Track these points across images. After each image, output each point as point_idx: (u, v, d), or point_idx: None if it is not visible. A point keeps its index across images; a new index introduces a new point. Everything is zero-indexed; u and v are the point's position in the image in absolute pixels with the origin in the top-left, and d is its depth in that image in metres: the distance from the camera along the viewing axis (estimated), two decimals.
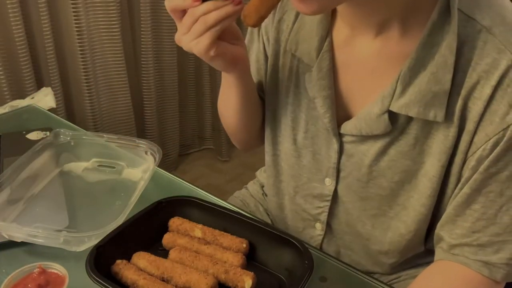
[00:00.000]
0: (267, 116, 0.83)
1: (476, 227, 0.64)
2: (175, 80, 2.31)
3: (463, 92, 0.60)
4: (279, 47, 0.77)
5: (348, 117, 0.72)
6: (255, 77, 0.84)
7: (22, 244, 0.73)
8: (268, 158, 0.87)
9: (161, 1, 2.10)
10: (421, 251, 0.79)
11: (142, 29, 2.10)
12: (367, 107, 0.67)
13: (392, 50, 0.65)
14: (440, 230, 0.69)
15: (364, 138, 0.69)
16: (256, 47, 0.83)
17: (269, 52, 0.79)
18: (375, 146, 0.69)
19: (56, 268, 0.65)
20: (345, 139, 0.72)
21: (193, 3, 0.60)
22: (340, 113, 0.72)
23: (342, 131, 0.71)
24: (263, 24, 0.79)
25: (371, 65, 0.68)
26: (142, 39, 2.12)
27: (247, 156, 2.62)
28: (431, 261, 0.72)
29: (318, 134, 0.75)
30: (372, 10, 0.63)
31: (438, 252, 0.70)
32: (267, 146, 0.85)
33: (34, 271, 0.64)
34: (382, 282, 0.73)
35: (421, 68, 0.61)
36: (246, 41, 0.84)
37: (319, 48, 0.70)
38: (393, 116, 0.65)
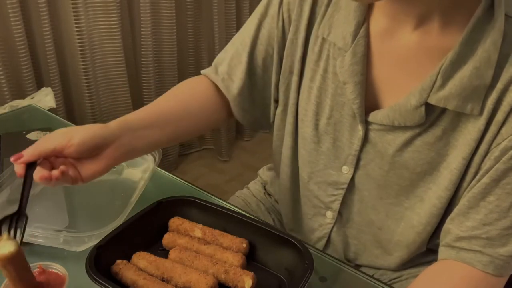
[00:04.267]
0: (281, 100, 0.82)
1: (487, 220, 0.64)
2: (175, 80, 2.31)
3: (499, 86, 0.61)
4: (311, 30, 0.76)
5: (374, 106, 0.72)
6: (260, 53, 0.81)
7: (22, 244, 0.73)
8: (285, 142, 0.85)
9: (161, 1, 2.10)
10: (423, 250, 0.79)
11: (142, 29, 2.09)
12: (404, 98, 0.67)
13: (430, 44, 0.65)
14: (450, 223, 0.69)
15: (393, 128, 0.70)
16: (270, 22, 0.80)
17: (290, 31, 0.77)
18: (402, 137, 0.69)
19: (56, 268, 0.65)
20: (371, 127, 0.72)
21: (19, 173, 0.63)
22: (368, 101, 0.72)
23: (370, 119, 0.71)
24: (285, 1, 0.77)
25: (407, 57, 0.68)
26: (142, 39, 2.12)
27: (247, 156, 2.62)
28: (433, 260, 0.72)
29: (342, 120, 0.75)
30: (414, 2, 0.64)
31: (441, 251, 0.70)
32: (290, 129, 0.84)
33: (34, 271, 0.64)
34: (382, 282, 0.73)
35: (462, 63, 0.62)
36: (258, 14, 0.81)
37: (355, 33, 0.70)
38: (428, 108, 0.66)
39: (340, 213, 0.82)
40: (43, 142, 0.64)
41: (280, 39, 0.79)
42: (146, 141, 0.74)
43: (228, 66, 0.84)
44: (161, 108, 0.80)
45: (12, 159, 0.62)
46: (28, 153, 0.63)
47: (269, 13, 0.80)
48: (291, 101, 0.81)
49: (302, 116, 0.80)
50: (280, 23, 0.79)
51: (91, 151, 0.66)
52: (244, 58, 0.82)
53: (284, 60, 0.80)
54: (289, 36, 0.78)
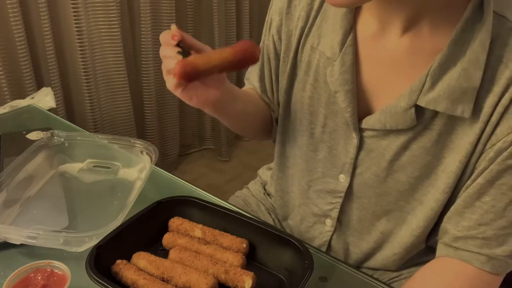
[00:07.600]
0: (282, 110, 0.83)
1: (483, 220, 0.64)
2: None
3: (496, 89, 0.60)
4: (297, 43, 0.77)
5: (368, 112, 0.72)
6: (267, 76, 0.86)
7: (21, 244, 0.73)
8: (281, 151, 0.87)
9: (161, 1, 2.10)
10: (422, 248, 0.79)
11: (142, 29, 2.09)
12: (394, 101, 0.67)
13: (420, 47, 0.65)
14: (447, 222, 0.69)
15: (386, 132, 0.69)
16: (267, 50, 0.83)
17: (282, 49, 0.80)
18: (397, 141, 0.69)
19: (59, 266, 0.65)
20: (365, 134, 0.72)
21: (170, 40, 0.65)
22: (361, 108, 0.72)
23: (363, 125, 0.71)
24: (274, 24, 0.80)
25: (397, 60, 0.68)
26: (142, 39, 2.12)
27: (247, 156, 2.62)
28: (432, 259, 0.72)
29: (337, 129, 0.75)
30: (402, 5, 0.63)
31: (440, 248, 0.70)
32: (282, 138, 0.86)
33: (39, 267, 0.64)
34: (382, 282, 0.73)
35: (451, 64, 0.61)
36: (262, 42, 0.86)
37: (343, 42, 0.70)
38: (419, 111, 0.65)
39: (339, 220, 0.82)
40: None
41: (274, 60, 0.83)
42: (235, 110, 0.81)
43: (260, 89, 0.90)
44: (245, 90, 0.90)
45: (174, 30, 0.66)
46: (186, 35, 0.67)
47: (265, 43, 0.84)
48: (280, 114, 0.84)
49: (297, 126, 0.81)
50: (272, 45, 0.82)
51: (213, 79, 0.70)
52: (256, 84, 0.88)
53: (280, 78, 0.83)
54: (281, 55, 0.80)
